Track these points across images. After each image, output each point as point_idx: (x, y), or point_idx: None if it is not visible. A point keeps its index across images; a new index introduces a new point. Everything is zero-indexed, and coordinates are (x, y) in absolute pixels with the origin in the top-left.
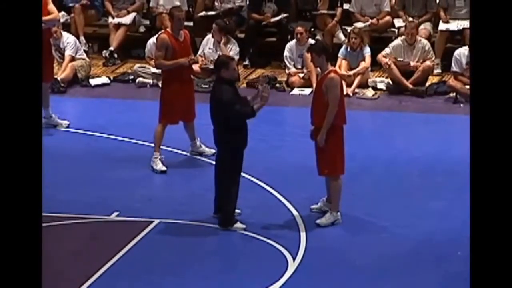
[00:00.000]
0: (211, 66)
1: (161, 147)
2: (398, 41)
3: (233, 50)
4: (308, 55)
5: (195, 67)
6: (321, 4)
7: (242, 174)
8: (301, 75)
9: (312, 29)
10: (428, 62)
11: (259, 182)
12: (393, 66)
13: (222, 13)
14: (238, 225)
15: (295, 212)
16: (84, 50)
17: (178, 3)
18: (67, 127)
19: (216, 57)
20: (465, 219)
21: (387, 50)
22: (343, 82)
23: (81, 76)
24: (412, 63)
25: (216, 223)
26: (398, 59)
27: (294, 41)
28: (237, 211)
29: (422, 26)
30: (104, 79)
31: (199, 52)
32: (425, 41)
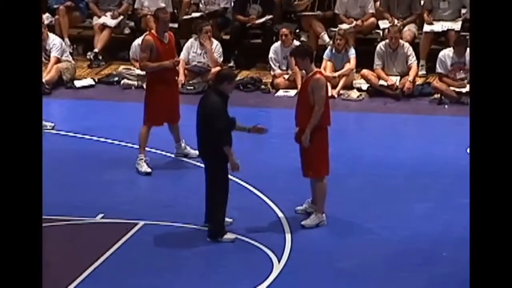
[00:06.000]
0: (197, 65)
1: (146, 149)
2: (381, 47)
3: (217, 51)
4: (293, 59)
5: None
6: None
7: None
8: (286, 76)
9: (297, 31)
10: (407, 84)
11: (244, 184)
12: (373, 81)
13: (207, 15)
14: (228, 235)
15: (280, 214)
16: (69, 52)
17: (163, 5)
18: (52, 128)
19: (201, 60)
20: (451, 220)
21: (376, 61)
22: (328, 84)
23: (66, 78)
24: (389, 83)
25: (201, 225)
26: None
27: (279, 42)
28: (228, 220)
29: (406, 28)
30: (89, 81)
31: (182, 54)
32: (407, 45)
